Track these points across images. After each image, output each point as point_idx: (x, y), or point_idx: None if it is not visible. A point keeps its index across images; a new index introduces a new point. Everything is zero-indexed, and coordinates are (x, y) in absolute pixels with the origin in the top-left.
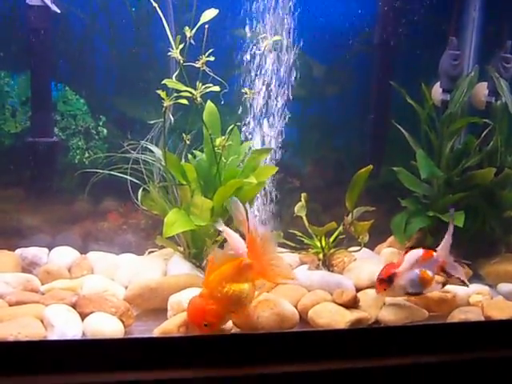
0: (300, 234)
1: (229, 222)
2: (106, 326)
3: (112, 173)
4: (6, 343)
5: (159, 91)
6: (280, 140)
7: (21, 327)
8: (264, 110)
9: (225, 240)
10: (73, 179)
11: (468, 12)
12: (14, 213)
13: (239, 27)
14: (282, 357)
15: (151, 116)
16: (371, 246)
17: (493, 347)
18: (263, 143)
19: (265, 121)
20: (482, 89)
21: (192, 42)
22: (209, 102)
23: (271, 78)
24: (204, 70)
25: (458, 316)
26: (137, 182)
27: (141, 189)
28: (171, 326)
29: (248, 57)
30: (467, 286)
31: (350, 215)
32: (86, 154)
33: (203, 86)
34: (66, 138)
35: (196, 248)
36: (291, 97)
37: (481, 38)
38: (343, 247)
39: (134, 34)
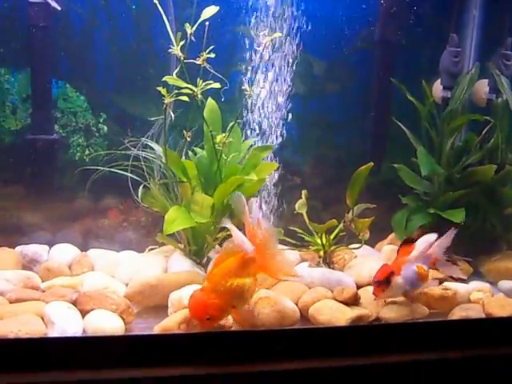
0: (301, 231)
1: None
2: (107, 323)
3: (112, 170)
4: (7, 340)
5: (160, 88)
6: (280, 137)
7: (21, 324)
8: (265, 107)
9: (226, 238)
10: (73, 176)
11: (469, 9)
12: (15, 210)
13: (240, 24)
14: (282, 354)
15: (152, 113)
16: (372, 243)
17: (493, 344)
18: (264, 140)
19: (265, 118)
20: (483, 86)
21: (193, 38)
22: (209, 98)
23: (272, 74)
24: (205, 66)
25: (458, 313)
26: (137, 179)
27: (141, 186)
28: (172, 323)
29: (248, 54)
30: (460, 282)
31: (351, 212)
32: (87, 151)
33: (204, 83)
34: (67, 135)
35: (196, 245)
36: (292, 94)
37: (481, 35)
38: (344, 244)
39: (135, 30)
